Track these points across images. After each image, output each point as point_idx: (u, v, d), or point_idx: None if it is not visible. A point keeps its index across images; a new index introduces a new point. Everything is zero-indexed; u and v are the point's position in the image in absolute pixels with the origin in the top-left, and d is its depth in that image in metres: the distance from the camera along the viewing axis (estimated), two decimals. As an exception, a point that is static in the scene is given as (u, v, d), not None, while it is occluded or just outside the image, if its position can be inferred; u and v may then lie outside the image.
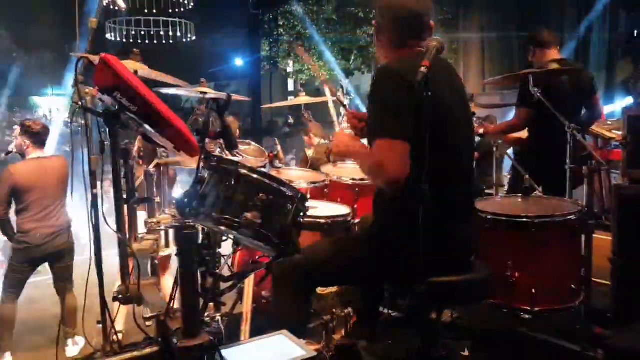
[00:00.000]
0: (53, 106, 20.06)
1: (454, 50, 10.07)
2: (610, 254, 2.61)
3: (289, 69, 17.71)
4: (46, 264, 3.84)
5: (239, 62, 19.54)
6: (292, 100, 5.39)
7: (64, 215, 3.83)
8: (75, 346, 3.69)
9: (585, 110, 3.58)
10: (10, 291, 3.68)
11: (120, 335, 2.02)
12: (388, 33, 1.99)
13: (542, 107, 3.03)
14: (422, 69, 1.53)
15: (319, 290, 2.50)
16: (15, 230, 3.72)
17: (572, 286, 2.43)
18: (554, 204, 2.74)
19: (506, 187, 3.87)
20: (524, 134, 3.60)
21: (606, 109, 7.29)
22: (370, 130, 1.87)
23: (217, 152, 2.75)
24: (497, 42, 8.83)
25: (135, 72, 2.58)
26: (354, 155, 2.07)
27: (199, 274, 1.63)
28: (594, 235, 2.62)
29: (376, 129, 1.81)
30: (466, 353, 2.57)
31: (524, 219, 2.38)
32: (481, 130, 3.47)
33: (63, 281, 3.80)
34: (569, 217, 2.43)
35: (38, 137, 3.76)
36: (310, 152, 4.78)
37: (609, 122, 4.17)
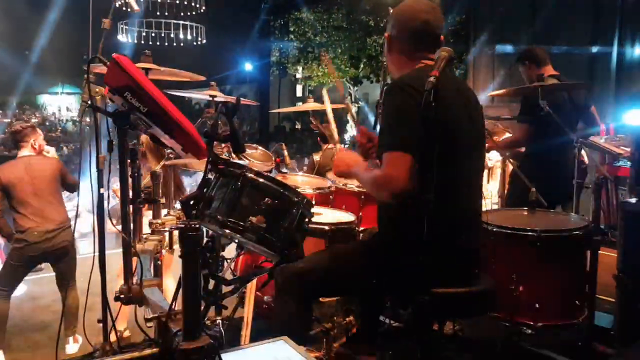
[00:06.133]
0: (63, 104, 20.22)
1: (463, 62, 10.08)
2: (615, 271, 2.59)
3: (298, 75, 17.79)
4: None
5: (248, 66, 19.64)
6: (300, 106, 5.41)
7: (62, 213, 3.84)
8: (75, 344, 3.69)
9: (582, 124, 3.59)
10: (2, 289, 3.66)
11: (121, 335, 2.02)
12: (399, 44, 2.01)
13: (542, 122, 3.03)
14: (431, 78, 1.53)
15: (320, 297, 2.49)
16: (14, 230, 3.73)
17: (576, 302, 2.42)
18: (560, 219, 2.72)
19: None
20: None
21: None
22: (379, 143, 1.87)
23: (224, 155, 2.76)
24: (507, 55, 8.82)
25: (146, 73, 2.59)
26: (355, 174, 2.03)
27: (201, 276, 1.63)
28: (600, 252, 2.60)
29: (385, 141, 1.81)
30: (467, 366, 2.56)
31: (530, 233, 2.37)
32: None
33: (66, 279, 3.79)
34: (575, 232, 2.41)
35: (17, 135, 3.82)
36: (317, 157, 4.79)
37: (617, 138, 4.15)
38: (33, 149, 3.81)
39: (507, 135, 3.91)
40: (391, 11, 2.07)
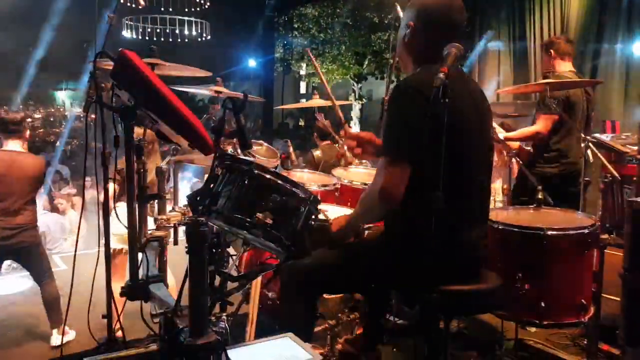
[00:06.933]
0: (67, 100, 20.27)
1: (467, 58, 10.03)
2: (621, 270, 2.58)
3: (302, 72, 17.77)
4: None
5: (252, 63, 19.62)
6: (304, 103, 5.38)
7: (31, 213, 3.71)
8: (59, 336, 3.56)
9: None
10: None
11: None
12: (421, 37, 1.93)
13: (562, 115, 3.03)
14: (441, 75, 1.50)
15: (325, 294, 2.49)
16: None
17: (582, 301, 2.40)
18: (566, 217, 2.71)
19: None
20: (515, 144, 3.57)
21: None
22: (382, 144, 1.85)
23: (230, 151, 2.75)
24: (513, 52, 8.77)
25: (152, 68, 2.59)
26: (351, 217, 2.02)
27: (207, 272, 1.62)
28: (606, 251, 2.59)
29: (387, 148, 1.81)
30: (472, 364, 2.55)
31: (536, 231, 2.36)
32: (502, 135, 3.40)
33: (39, 274, 3.73)
34: (582, 231, 2.40)
35: (6, 126, 3.66)
36: (317, 153, 4.76)
37: (623, 136, 4.13)
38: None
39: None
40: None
